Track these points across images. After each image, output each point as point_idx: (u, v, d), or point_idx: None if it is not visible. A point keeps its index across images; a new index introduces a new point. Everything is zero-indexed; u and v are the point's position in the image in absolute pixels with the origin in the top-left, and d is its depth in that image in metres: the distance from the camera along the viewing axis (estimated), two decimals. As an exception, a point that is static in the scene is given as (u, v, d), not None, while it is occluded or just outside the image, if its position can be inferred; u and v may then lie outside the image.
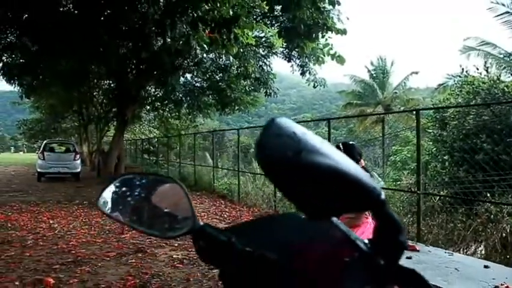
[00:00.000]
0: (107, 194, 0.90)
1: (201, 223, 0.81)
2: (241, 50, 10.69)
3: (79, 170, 19.75)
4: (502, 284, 2.71)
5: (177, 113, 21.30)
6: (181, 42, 9.49)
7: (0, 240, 7.11)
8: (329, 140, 9.64)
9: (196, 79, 18.02)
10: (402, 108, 27.80)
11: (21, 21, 11.59)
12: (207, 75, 16.84)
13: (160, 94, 20.17)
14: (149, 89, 19.79)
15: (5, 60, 16.03)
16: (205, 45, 8.09)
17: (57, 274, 5.24)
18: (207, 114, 20.85)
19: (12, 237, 7.41)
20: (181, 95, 17.75)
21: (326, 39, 11.21)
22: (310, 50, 11.88)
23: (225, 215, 9.99)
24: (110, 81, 21.66)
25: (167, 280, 5.09)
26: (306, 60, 14.18)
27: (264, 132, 0.56)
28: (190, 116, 21.76)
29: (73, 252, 6.41)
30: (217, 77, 16.94)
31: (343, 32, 10.87)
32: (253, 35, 8.33)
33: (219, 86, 16.86)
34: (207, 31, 7.92)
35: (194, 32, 8.08)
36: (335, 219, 0.71)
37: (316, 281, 0.68)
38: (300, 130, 0.57)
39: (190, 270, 5.57)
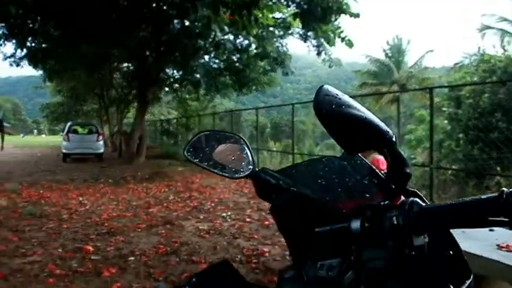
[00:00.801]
0: (191, 145, 1.20)
1: (257, 169, 1.11)
2: (260, 30, 10.92)
3: (102, 150, 20.30)
4: (503, 243, 2.86)
5: (196, 94, 21.61)
6: (201, 24, 9.76)
7: (38, 214, 7.59)
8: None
9: (213, 60, 18.23)
10: (417, 87, 27.75)
11: (45, 8, 11.88)
12: (225, 56, 17.05)
13: (178, 76, 20.48)
14: (168, 70, 20.11)
15: (29, 45, 16.52)
16: (226, 27, 8.38)
17: (94, 243, 5.70)
18: (225, 95, 21.15)
19: (48, 212, 7.88)
20: (199, 76, 18.03)
21: (339, 22, 11.43)
22: (323, 32, 12.07)
23: (246, 191, 10.35)
24: (130, 64, 22.06)
25: (195, 248, 5.51)
26: (322, 41, 14.34)
27: (318, 93, 0.84)
28: (208, 97, 22.07)
29: (106, 224, 6.86)
30: (234, 57, 17.13)
31: (356, 15, 11.06)
32: (272, 16, 8.55)
33: (236, 66, 17.07)
34: (227, 13, 8.16)
35: (215, 14, 8.34)
36: (361, 156, 1.02)
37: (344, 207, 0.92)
38: (340, 93, 0.86)
39: (216, 239, 5.99)
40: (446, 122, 12.06)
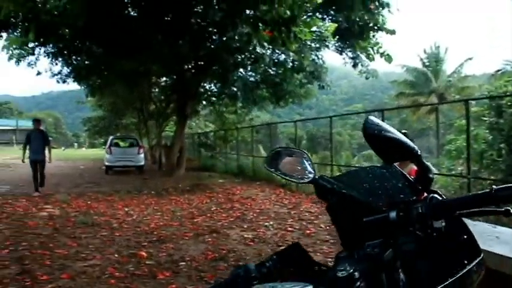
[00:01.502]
0: (268, 159, 1.53)
1: (317, 176, 1.40)
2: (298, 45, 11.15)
3: (142, 163, 20.92)
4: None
5: (233, 107, 22.00)
6: (241, 40, 10.11)
7: (90, 223, 8.01)
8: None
9: (250, 73, 18.52)
10: (456, 97, 27.37)
11: (93, 29, 12.43)
12: (261, 70, 17.27)
13: (216, 89, 20.90)
14: (205, 84, 20.56)
15: (74, 63, 17.36)
16: (265, 43, 8.69)
17: (147, 249, 6.05)
18: (262, 107, 21.48)
19: (98, 221, 8.27)
20: (236, 90, 18.33)
21: (377, 38, 11.58)
22: (361, 48, 12.26)
23: (286, 202, 10.58)
24: (168, 79, 22.70)
25: (241, 255, 5.78)
26: (358, 53, 14.45)
27: (365, 122, 1.19)
28: (245, 110, 22.39)
29: (155, 233, 7.22)
30: (270, 70, 17.37)
31: (392, 32, 11.20)
32: (309, 31, 8.77)
33: (273, 79, 17.30)
34: (267, 30, 8.44)
35: (254, 31, 8.66)
36: (397, 165, 1.34)
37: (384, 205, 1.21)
38: (381, 121, 1.22)
39: (260, 247, 6.25)
40: (487, 131, 11.89)
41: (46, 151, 12.41)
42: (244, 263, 5.31)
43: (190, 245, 6.36)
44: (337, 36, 11.85)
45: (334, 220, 1.31)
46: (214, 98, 21.65)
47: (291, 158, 1.52)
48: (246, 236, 6.94)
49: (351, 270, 1.05)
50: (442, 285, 1.11)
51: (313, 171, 1.43)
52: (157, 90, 26.19)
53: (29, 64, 16.11)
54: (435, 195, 1.14)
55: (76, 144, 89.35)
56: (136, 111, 31.41)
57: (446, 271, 1.14)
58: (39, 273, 4.85)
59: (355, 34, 11.70)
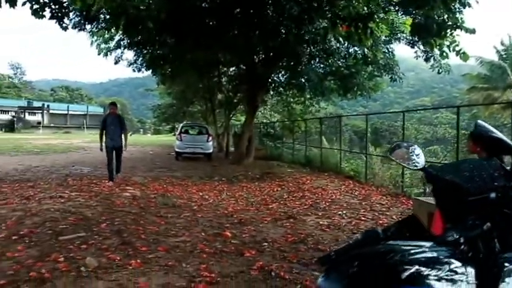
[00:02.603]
0: (390, 149, 1.95)
1: (425, 165, 1.76)
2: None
3: (211, 150, 21.50)
4: None
5: (301, 98, 22.21)
6: (317, 34, 10.28)
7: (171, 204, 8.61)
8: (458, 126, 9.98)
9: (319, 65, 18.59)
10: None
11: (169, 20, 12.96)
12: (330, 61, 17.29)
13: (284, 80, 21.17)
14: (273, 75, 20.84)
15: (150, 53, 18.26)
16: (341, 39, 8.86)
17: (230, 230, 6.50)
18: (329, 99, 21.54)
19: (178, 203, 8.83)
20: (303, 81, 18.42)
21: (454, 36, 11.27)
22: (437, 46, 12.03)
23: (356, 193, 10.76)
24: (237, 69, 23.21)
25: (319, 239, 6.10)
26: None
27: (476, 125, 1.69)
28: (312, 101, 22.53)
29: (235, 216, 7.68)
30: (339, 62, 17.41)
31: (472, 31, 10.89)
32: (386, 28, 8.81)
33: (342, 71, 17.33)
34: (344, 26, 8.59)
35: (332, 27, 8.84)
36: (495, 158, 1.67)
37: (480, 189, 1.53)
38: (487, 125, 1.68)
39: (336, 233, 6.54)
40: None
41: (123, 138, 11.49)
42: (322, 247, 5.65)
43: (270, 229, 6.76)
44: (413, 34, 11.76)
45: (437, 200, 1.67)
46: (281, 89, 21.90)
47: (406, 150, 1.90)
48: (321, 222, 7.26)
49: (457, 236, 1.41)
50: None
51: (423, 161, 1.80)
52: (224, 80, 26.77)
53: (116, 57, 17.31)
54: None
55: (141, 130, 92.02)
56: (203, 100, 32.13)
57: None
58: (139, 244, 5.40)
59: (432, 31, 11.47)
